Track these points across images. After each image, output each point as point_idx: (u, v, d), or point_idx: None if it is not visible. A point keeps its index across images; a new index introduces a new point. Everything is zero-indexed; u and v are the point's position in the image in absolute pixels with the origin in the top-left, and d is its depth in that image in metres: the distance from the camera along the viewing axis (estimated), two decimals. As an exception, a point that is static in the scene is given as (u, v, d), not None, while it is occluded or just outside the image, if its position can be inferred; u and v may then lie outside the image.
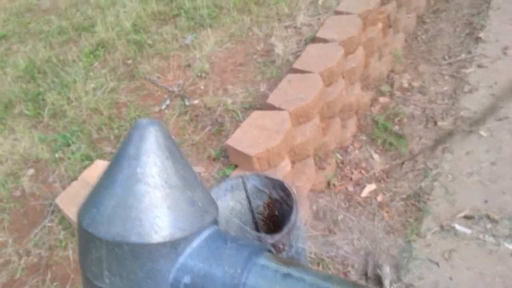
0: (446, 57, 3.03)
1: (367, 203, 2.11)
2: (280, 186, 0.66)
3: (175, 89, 2.32)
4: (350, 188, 2.17)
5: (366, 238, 1.95)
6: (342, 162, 2.30)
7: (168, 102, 2.26)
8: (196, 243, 0.37)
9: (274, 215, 0.68)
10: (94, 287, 0.37)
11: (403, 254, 1.86)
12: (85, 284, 0.39)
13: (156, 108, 2.24)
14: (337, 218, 2.02)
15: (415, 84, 2.83)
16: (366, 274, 1.82)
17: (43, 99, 2.42)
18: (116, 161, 0.39)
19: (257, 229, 0.73)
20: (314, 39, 2.41)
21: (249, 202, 0.69)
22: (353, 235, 1.96)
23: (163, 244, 0.36)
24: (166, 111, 2.21)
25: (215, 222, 0.40)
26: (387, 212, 2.06)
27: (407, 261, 1.83)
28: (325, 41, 2.35)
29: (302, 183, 1.95)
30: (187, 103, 2.22)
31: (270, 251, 0.37)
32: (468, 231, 1.91)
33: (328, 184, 2.17)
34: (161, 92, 2.35)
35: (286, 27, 2.64)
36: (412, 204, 2.08)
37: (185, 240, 0.37)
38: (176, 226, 0.36)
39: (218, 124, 2.08)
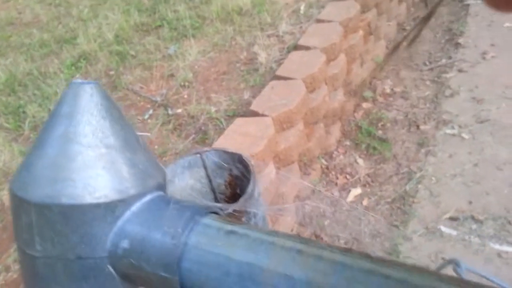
0: (427, 62, 3.08)
1: (353, 207, 2.11)
2: (239, 159, 0.65)
3: (158, 98, 2.30)
4: (336, 193, 2.16)
5: (353, 243, 1.94)
6: (327, 168, 2.30)
7: (151, 111, 2.25)
8: (136, 207, 0.35)
9: (236, 193, 0.66)
10: (27, 256, 0.35)
11: (390, 257, 1.85)
12: (19, 255, 0.36)
13: (139, 118, 2.22)
14: (323, 223, 2.01)
15: (397, 89, 2.86)
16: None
17: (24, 112, 2.39)
18: (49, 122, 0.37)
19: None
20: (296, 47, 2.42)
21: (210, 181, 0.67)
22: (340, 241, 1.95)
23: (97, 206, 0.33)
24: (149, 120, 2.20)
25: (161, 188, 0.38)
26: (373, 216, 2.06)
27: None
28: (307, 48, 2.36)
29: (288, 189, 1.94)
30: (170, 112, 2.21)
31: (216, 213, 0.35)
32: (453, 232, 1.91)
33: (314, 189, 2.16)
34: (144, 102, 2.33)
35: (269, 36, 2.65)
36: (397, 207, 2.08)
37: (124, 203, 0.34)
38: (112, 187, 0.34)
39: (201, 132, 2.06)
